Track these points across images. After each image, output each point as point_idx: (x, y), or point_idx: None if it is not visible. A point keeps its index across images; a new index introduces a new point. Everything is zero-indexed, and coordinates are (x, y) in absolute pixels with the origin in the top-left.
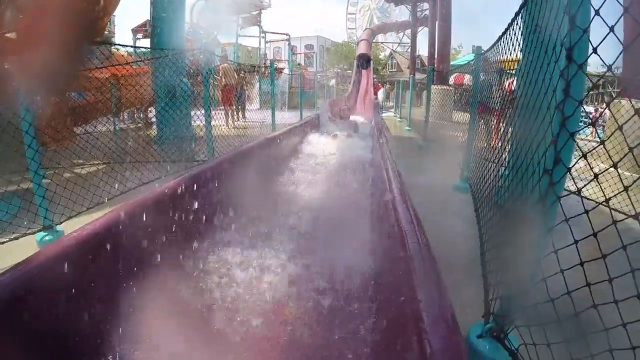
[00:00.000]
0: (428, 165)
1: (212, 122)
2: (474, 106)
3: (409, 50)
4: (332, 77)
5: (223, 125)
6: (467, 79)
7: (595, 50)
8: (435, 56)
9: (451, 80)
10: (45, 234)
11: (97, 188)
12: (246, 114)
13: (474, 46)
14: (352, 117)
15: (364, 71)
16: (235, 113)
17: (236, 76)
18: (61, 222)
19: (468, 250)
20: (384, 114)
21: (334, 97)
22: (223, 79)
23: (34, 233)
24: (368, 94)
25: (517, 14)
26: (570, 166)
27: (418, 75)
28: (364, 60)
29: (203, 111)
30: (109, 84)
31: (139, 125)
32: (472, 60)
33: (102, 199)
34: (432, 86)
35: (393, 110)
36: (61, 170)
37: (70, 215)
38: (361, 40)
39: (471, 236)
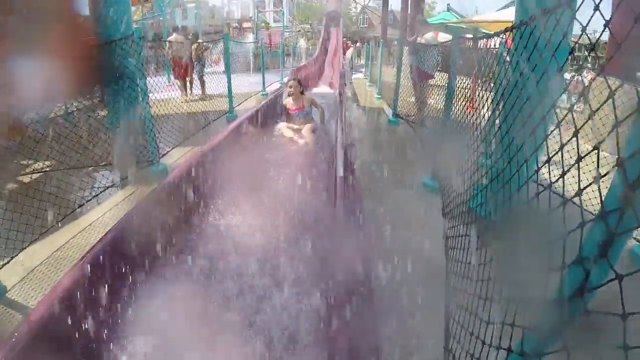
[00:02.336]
0: (396, 153)
1: (166, 95)
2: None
3: (382, 5)
4: (300, 36)
5: (178, 98)
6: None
7: None
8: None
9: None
10: None
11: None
12: (205, 81)
13: (448, 4)
14: (315, 89)
15: (332, 30)
16: (190, 86)
17: (191, 47)
18: None
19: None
20: (353, 76)
21: (298, 64)
22: (170, 52)
23: None
24: (337, 56)
25: None
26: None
27: (390, 31)
28: (333, 18)
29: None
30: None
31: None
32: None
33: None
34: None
35: (363, 70)
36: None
37: (2, 264)
38: None
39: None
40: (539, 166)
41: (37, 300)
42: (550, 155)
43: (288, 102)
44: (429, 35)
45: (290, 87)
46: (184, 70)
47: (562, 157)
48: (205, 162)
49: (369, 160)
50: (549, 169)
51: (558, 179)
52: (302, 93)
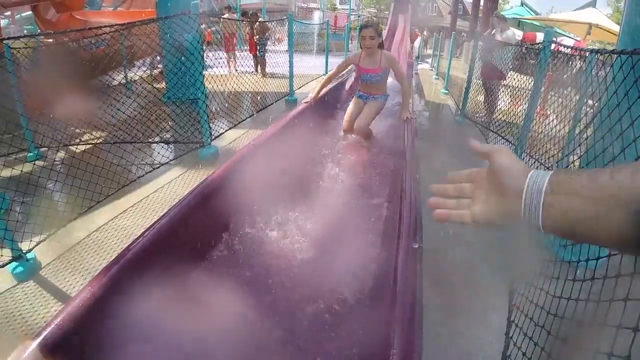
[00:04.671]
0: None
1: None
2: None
3: None
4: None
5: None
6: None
7: None
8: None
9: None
10: (16, 264)
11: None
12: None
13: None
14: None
15: (401, 16)
16: (257, 65)
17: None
18: (31, 249)
19: None
20: (419, 66)
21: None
22: (225, 30)
23: (2, 266)
24: (404, 44)
25: None
26: None
27: (459, 22)
28: (403, 4)
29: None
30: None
31: (156, 71)
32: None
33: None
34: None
35: (429, 61)
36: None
37: (39, 240)
38: None
39: None
40: None
41: (69, 282)
42: None
43: (361, 57)
44: (510, 33)
45: (364, 36)
46: (251, 46)
47: None
48: (253, 160)
49: (428, 167)
50: None
51: None
52: (381, 47)
